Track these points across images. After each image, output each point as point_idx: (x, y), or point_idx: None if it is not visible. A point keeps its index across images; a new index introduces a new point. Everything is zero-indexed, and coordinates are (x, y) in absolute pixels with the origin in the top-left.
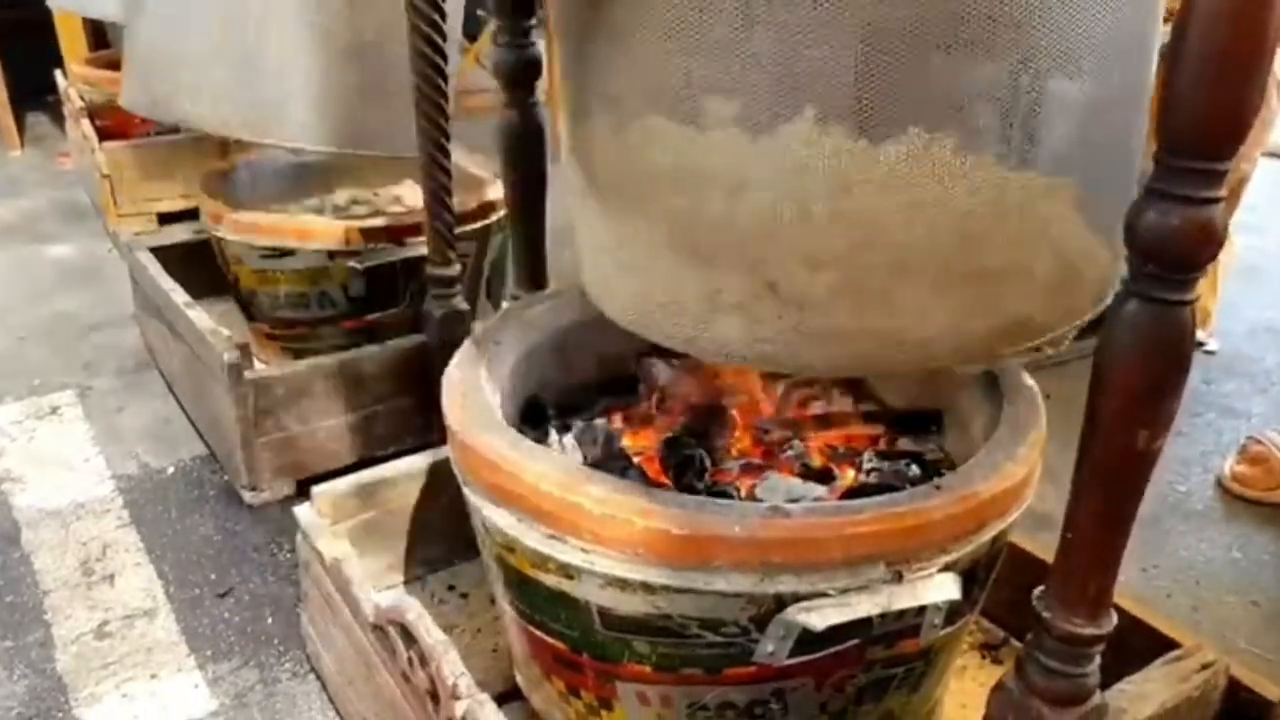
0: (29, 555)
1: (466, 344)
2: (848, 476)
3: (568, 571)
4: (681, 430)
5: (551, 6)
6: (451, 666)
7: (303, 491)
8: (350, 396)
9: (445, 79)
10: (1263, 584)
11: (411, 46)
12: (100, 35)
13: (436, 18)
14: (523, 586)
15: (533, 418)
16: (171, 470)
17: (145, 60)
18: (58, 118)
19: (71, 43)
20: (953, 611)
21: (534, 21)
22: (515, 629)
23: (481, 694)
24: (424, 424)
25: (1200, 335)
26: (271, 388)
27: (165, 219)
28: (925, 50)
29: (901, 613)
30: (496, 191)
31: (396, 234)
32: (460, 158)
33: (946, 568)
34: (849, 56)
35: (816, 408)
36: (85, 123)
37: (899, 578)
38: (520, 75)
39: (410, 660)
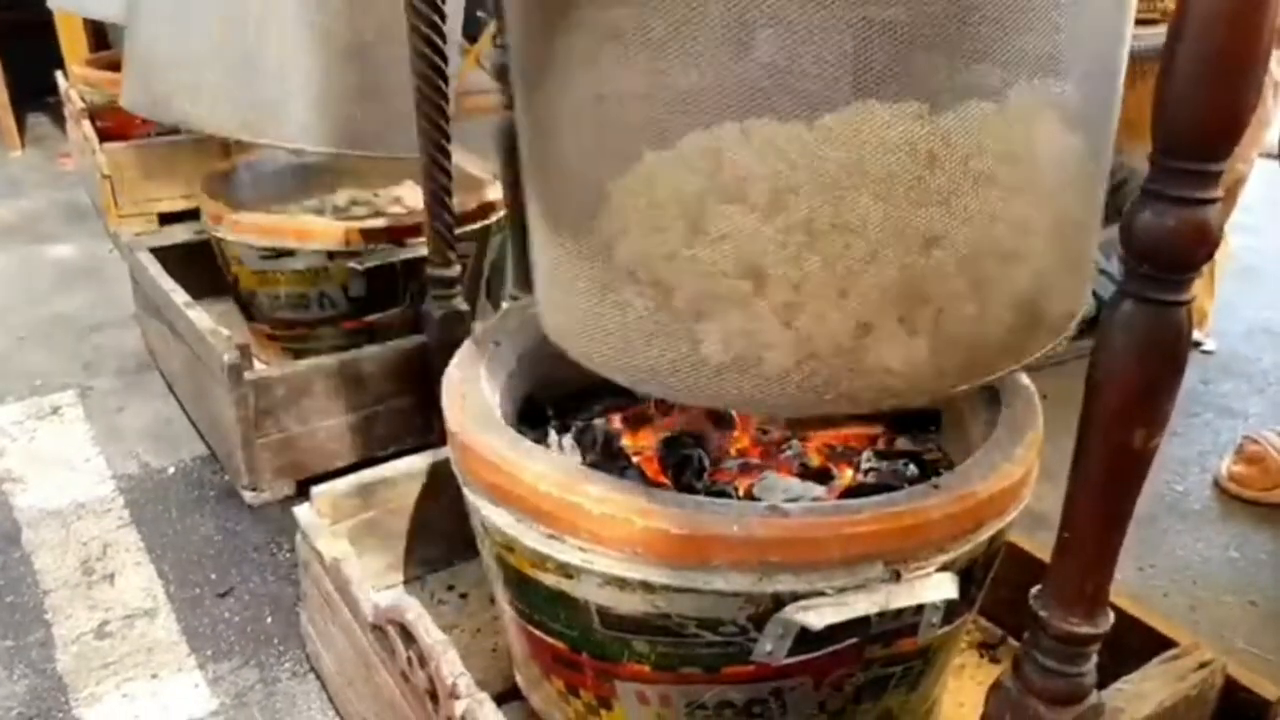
0: (29, 555)
1: (466, 344)
2: (846, 476)
3: (567, 571)
4: (680, 430)
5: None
6: (451, 666)
7: (303, 491)
8: (350, 397)
9: (445, 80)
10: (1260, 583)
11: (412, 47)
12: (101, 36)
13: (436, 19)
14: (522, 586)
15: (532, 418)
16: (172, 470)
17: (145, 61)
18: (58, 118)
19: (72, 44)
20: (950, 611)
21: None
22: (514, 629)
23: (481, 693)
24: (424, 424)
25: (1197, 335)
26: (271, 388)
27: (166, 219)
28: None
29: (899, 612)
30: (496, 192)
31: (396, 234)
32: (460, 158)
33: (944, 567)
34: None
35: None
36: (86, 123)
37: (897, 577)
38: None
39: (409, 660)
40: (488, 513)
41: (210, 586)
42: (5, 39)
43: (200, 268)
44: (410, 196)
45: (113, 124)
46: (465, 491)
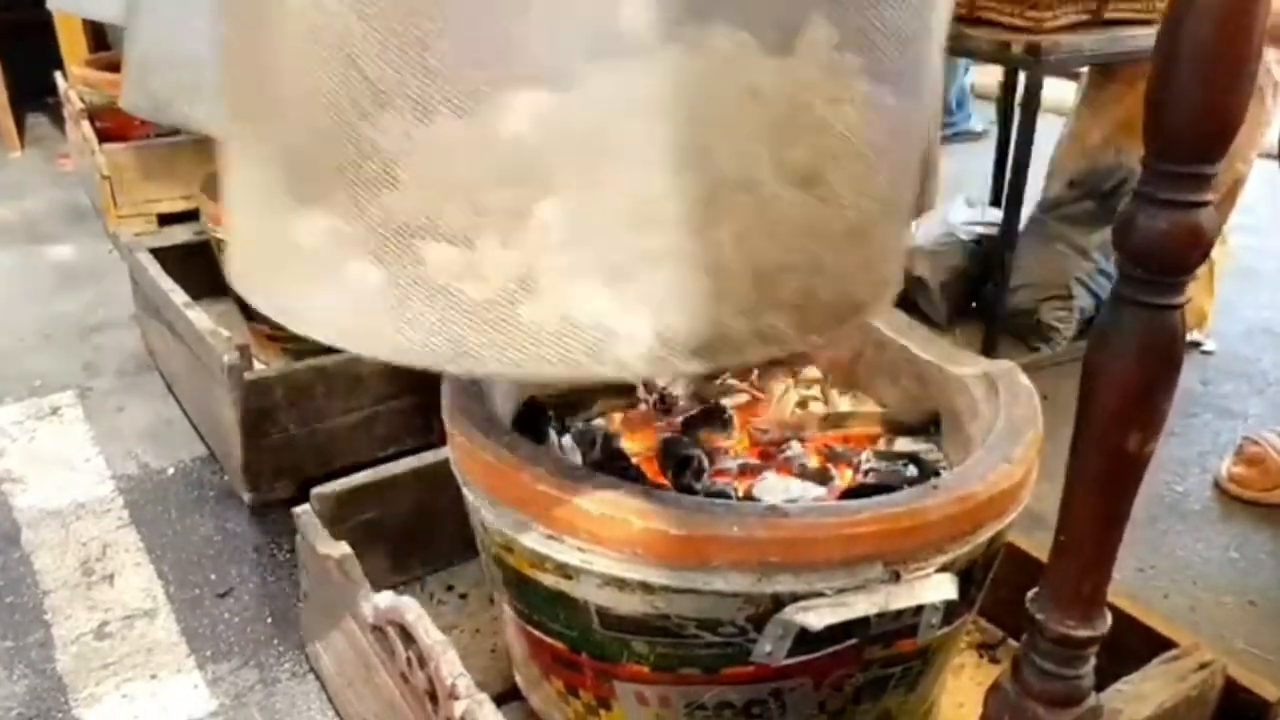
0: (29, 555)
1: None
2: (845, 477)
3: (566, 571)
4: (680, 431)
5: None
6: (450, 667)
7: (302, 492)
8: (350, 397)
9: None
10: (1260, 584)
11: None
12: (100, 37)
13: None
14: (521, 586)
15: (531, 419)
16: (171, 471)
17: (145, 62)
18: (58, 119)
19: (71, 45)
20: (950, 611)
21: None
22: (514, 629)
23: (480, 694)
24: (423, 425)
25: (1197, 336)
26: (271, 389)
27: (165, 220)
28: None
29: (899, 612)
30: None
31: None
32: None
33: (944, 568)
34: None
35: (816, 408)
36: (85, 124)
37: (896, 578)
38: None
39: (409, 660)
40: (487, 513)
41: (210, 587)
42: (4, 40)
43: (200, 268)
44: None
45: (112, 125)
46: (465, 492)
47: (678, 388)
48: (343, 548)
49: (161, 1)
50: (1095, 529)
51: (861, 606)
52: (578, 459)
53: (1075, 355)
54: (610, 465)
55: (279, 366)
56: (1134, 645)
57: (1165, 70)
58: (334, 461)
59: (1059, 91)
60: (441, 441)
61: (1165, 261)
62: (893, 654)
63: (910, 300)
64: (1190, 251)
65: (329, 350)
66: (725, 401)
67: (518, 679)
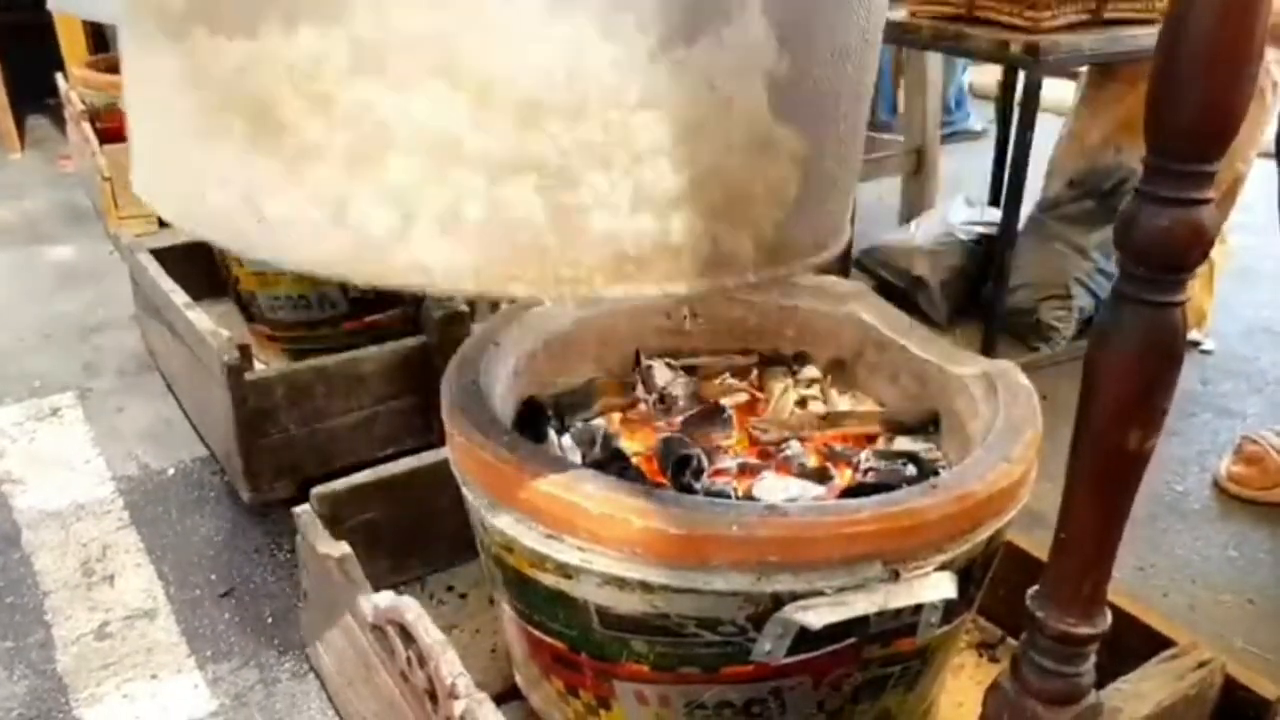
0: (29, 556)
1: (465, 345)
2: (845, 476)
3: (566, 571)
4: (679, 430)
5: None
6: (450, 666)
7: (302, 492)
8: (350, 397)
9: None
10: (1259, 582)
11: None
12: (100, 38)
13: None
14: (521, 586)
15: (531, 418)
16: (172, 471)
17: None
18: (58, 120)
19: (72, 46)
20: (949, 610)
21: None
22: (514, 628)
23: (480, 693)
24: (424, 425)
25: (1196, 335)
26: (271, 389)
27: (165, 221)
28: None
29: (898, 611)
30: None
31: None
32: None
33: (943, 567)
34: None
35: (815, 407)
36: (86, 125)
37: (895, 577)
38: None
39: (409, 660)
40: (487, 513)
41: (210, 587)
42: (5, 41)
43: (200, 269)
44: None
45: (113, 125)
46: (464, 492)
47: (677, 388)
48: (343, 547)
49: None
50: (1095, 527)
51: (861, 605)
52: (577, 458)
53: (1074, 355)
54: (610, 465)
55: (279, 367)
56: (1133, 644)
57: (1167, 68)
58: (334, 461)
59: (1058, 91)
60: (441, 441)
61: (1166, 259)
62: (892, 653)
63: (910, 299)
64: (1191, 249)
65: (330, 350)
66: (724, 401)
67: (518, 679)
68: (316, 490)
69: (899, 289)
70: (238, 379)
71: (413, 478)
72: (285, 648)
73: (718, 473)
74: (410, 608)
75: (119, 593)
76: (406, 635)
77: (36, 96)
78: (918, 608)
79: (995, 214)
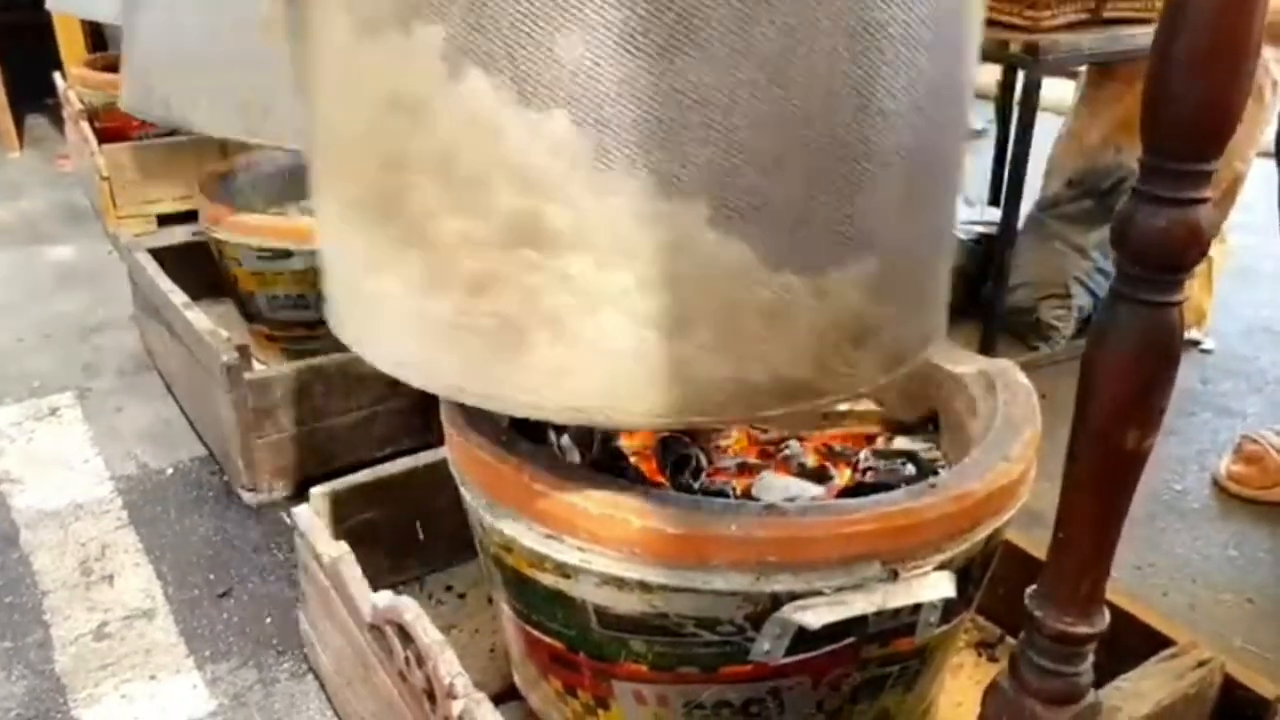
0: (28, 556)
1: None
2: (844, 475)
3: (564, 571)
4: (677, 429)
5: None
6: (448, 666)
7: (301, 492)
8: (349, 397)
9: None
10: (1258, 582)
11: None
12: (99, 37)
13: None
14: (520, 586)
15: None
16: (170, 471)
17: (144, 62)
18: (57, 120)
19: (70, 45)
20: (948, 610)
21: None
22: (512, 628)
23: (478, 693)
24: (422, 424)
25: (1196, 335)
26: (270, 389)
27: (164, 220)
28: None
29: (897, 611)
30: None
31: None
32: None
33: (941, 566)
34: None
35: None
36: (84, 125)
37: (894, 576)
38: None
39: (407, 660)
40: (485, 513)
41: (209, 587)
42: (3, 41)
43: (199, 269)
44: None
45: (111, 125)
46: (463, 491)
47: None
48: (341, 547)
49: (159, 2)
50: (1094, 526)
51: (859, 605)
52: (576, 458)
53: (1073, 354)
54: (608, 464)
55: (278, 367)
56: (1132, 643)
57: (1163, 66)
58: (333, 461)
59: (1057, 90)
60: (440, 441)
61: (1164, 258)
62: (891, 653)
63: None
64: (1188, 248)
65: (329, 350)
66: None
67: (516, 678)
68: (315, 490)
69: None
70: (237, 379)
71: (411, 478)
72: (284, 648)
73: (716, 472)
74: (409, 608)
75: (118, 593)
76: (405, 635)
77: (35, 96)
78: (916, 607)
79: (995, 213)
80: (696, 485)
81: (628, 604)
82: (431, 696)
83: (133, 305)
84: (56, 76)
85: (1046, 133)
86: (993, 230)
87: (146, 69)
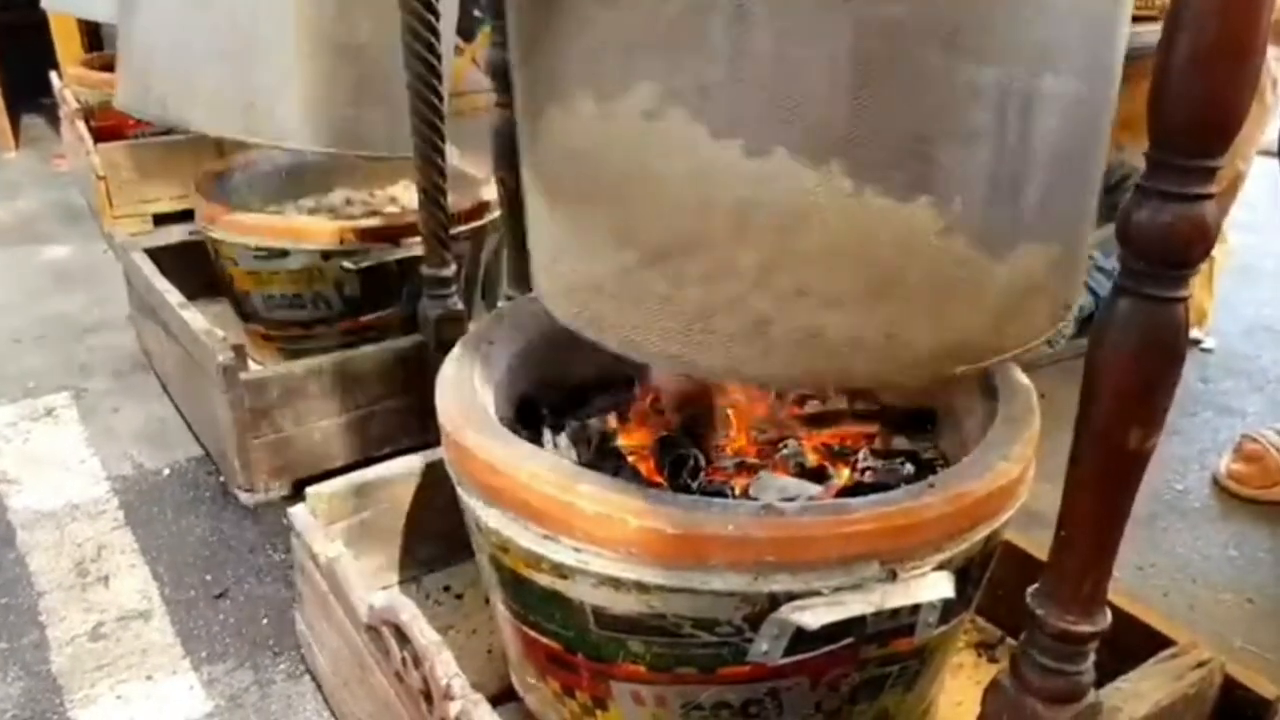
0: (24, 557)
1: (460, 344)
2: (842, 475)
3: (561, 571)
4: (676, 429)
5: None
6: (445, 667)
7: (298, 492)
8: (346, 397)
9: (439, 78)
10: (1258, 581)
11: (405, 45)
12: (95, 37)
13: (430, 17)
14: (517, 586)
15: (527, 417)
16: (167, 471)
17: (139, 61)
18: (53, 119)
19: (66, 44)
20: (947, 610)
21: None
22: (510, 629)
23: (475, 694)
24: (419, 424)
25: (1197, 334)
26: (266, 389)
27: (161, 220)
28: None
29: (896, 611)
30: (491, 191)
31: (392, 234)
32: (456, 158)
33: (941, 566)
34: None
35: (811, 407)
36: (80, 124)
37: (893, 576)
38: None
39: (404, 661)
40: (482, 513)
41: (205, 588)
42: None
43: (195, 268)
44: (406, 196)
45: (107, 124)
46: (460, 492)
47: (674, 386)
48: (338, 548)
49: (156, 1)
50: (1096, 524)
51: (858, 605)
52: (573, 458)
53: (1073, 353)
54: (606, 464)
55: (274, 366)
56: (1132, 643)
57: (1170, 62)
58: (329, 461)
59: None
60: (437, 441)
61: (1168, 255)
62: (890, 653)
63: None
64: (1194, 245)
65: (325, 350)
66: (722, 400)
67: (513, 679)
68: (312, 490)
69: None
70: (233, 379)
71: (408, 478)
72: (280, 648)
73: (715, 472)
74: (405, 608)
75: (114, 593)
76: (402, 636)
77: (31, 95)
78: (915, 608)
79: None
80: (694, 485)
81: (625, 604)
82: (428, 697)
83: (129, 305)
84: (53, 76)
85: None
86: None
87: (142, 68)
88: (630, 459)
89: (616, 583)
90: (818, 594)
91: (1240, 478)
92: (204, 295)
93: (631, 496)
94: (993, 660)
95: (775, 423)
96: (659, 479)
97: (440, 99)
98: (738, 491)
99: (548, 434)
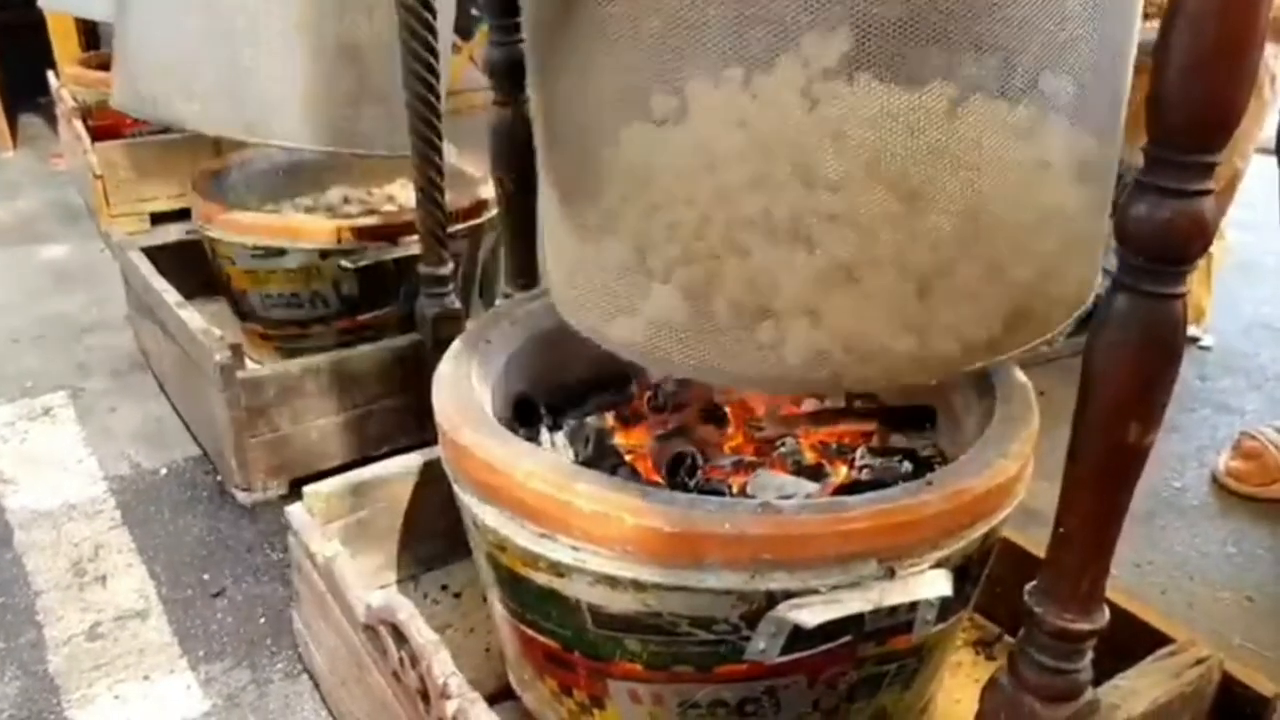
0: (21, 556)
1: (457, 343)
2: (840, 473)
3: (558, 570)
4: (673, 428)
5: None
6: (442, 666)
7: (295, 491)
8: (343, 396)
9: (436, 77)
10: (1257, 579)
11: (402, 44)
12: (92, 36)
13: (427, 16)
14: (514, 585)
15: (524, 416)
16: (164, 471)
17: (136, 60)
18: (50, 119)
19: (63, 44)
20: (945, 608)
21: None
22: (507, 628)
23: (472, 693)
24: (417, 423)
25: (1195, 331)
26: (263, 388)
27: (158, 219)
28: None
29: (893, 609)
30: (489, 190)
31: (389, 233)
32: (454, 157)
33: (938, 564)
34: None
35: (809, 404)
36: (78, 123)
37: (891, 574)
38: (511, 73)
39: (401, 660)
40: (479, 512)
41: (202, 587)
42: None
43: (192, 267)
44: (403, 195)
45: (104, 123)
46: (457, 490)
47: (671, 385)
48: (335, 547)
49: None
50: (1094, 521)
51: (856, 604)
52: (570, 457)
53: (1071, 351)
54: (603, 463)
55: (272, 365)
56: (1130, 641)
57: (1169, 59)
58: (327, 461)
59: None
60: (434, 440)
61: (1167, 250)
62: (887, 651)
63: None
64: (1192, 241)
65: (322, 349)
66: (720, 398)
67: (511, 678)
68: (309, 489)
69: None
70: (230, 378)
71: (405, 477)
72: (278, 648)
73: (712, 470)
74: (403, 607)
75: (111, 593)
76: (399, 635)
77: (29, 95)
78: (913, 605)
79: None
80: (692, 483)
81: (622, 603)
82: (426, 696)
83: (127, 305)
84: (50, 75)
85: None
86: None
87: (139, 66)
88: (628, 457)
89: (613, 581)
90: (815, 592)
91: (1239, 475)
92: (201, 294)
93: (629, 495)
94: (991, 658)
95: (773, 421)
96: (656, 477)
97: (437, 97)
98: (735, 490)
99: (545, 433)
